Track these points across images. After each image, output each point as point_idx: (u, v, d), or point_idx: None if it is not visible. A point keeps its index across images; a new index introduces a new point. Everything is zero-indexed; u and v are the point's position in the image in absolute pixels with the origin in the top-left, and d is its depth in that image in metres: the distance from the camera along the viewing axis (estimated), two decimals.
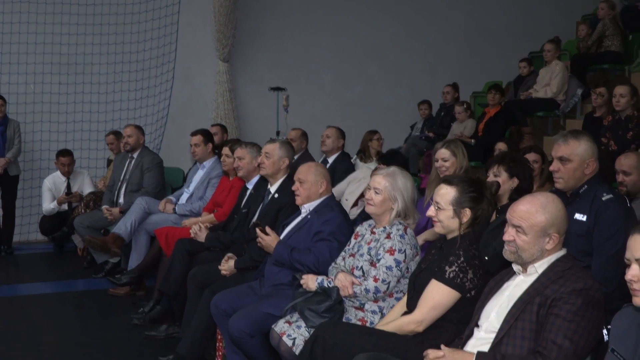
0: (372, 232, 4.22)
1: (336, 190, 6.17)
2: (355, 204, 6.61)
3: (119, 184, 7.96)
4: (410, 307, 3.69)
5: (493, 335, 3.08)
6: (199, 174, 7.34)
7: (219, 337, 4.96)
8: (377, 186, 4.18)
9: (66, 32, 9.80)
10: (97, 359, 5.46)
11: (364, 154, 7.97)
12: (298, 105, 10.86)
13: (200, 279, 5.24)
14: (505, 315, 3.06)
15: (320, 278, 4.20)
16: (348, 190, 6.88)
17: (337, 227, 4.54)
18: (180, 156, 9.62)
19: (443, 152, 5.22)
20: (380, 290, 4.00)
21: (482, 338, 3.15)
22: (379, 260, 4.04)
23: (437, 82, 10.92)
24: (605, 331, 2.80)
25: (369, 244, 4.17)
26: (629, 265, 2.64)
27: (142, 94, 10.36)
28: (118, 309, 6.64)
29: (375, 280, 4.00)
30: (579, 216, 3.86)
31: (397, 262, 4.00)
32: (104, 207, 7.79)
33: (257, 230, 4.72)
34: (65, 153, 9.10)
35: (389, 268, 4.00)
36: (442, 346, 3.12)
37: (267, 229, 4.72)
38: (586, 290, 2.94)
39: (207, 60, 10.56)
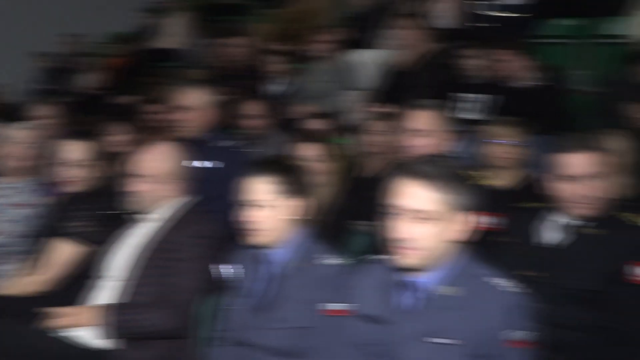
0: None
1: None
2: None
3: None
4: (36, 267, 3.55)
5: (121, 285, 3.09)
6: None
7: None
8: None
9: None
10: None
11: None
12: None
13: None
14: (132, 264, 3.09)
15: None
16: None
17: None
18: None
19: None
20: (5, 245, 3.81)
21: (110, 289, 3.14)
22: (3, 213, 3.87)
23: (54, 32, 10.39)
24: (231, 269, 2.93)
25: None
26: (244, 207, 2.78)
27: None
28: None
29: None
30: (201, 163, 4.01)
31: (25, 217, 3.85)
32: None
33: None
34: None
35: (15, 222, 3.84)
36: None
37: None
38: (208, 233, 3.09)
39: None
